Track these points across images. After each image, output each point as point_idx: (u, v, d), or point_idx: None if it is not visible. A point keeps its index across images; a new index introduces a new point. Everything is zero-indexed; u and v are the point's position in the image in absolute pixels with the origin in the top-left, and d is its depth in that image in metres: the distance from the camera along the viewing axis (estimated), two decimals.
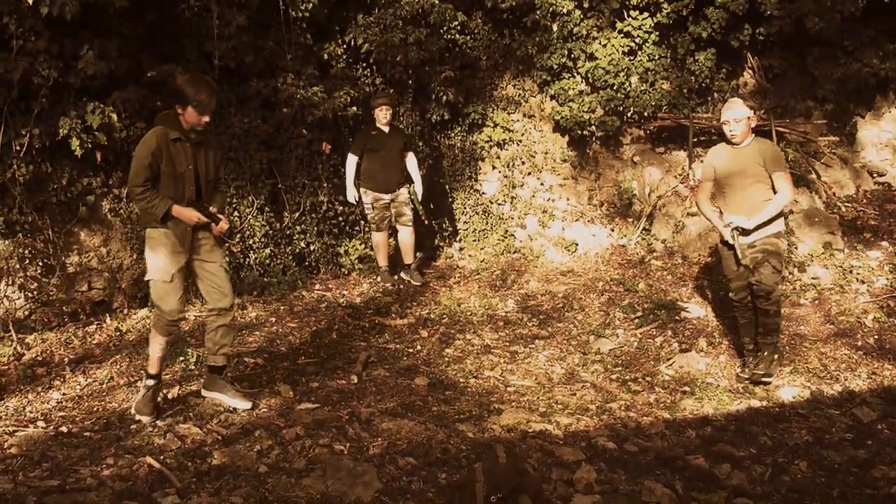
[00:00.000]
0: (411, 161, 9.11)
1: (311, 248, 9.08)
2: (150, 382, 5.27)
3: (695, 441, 5.35)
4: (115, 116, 7.05)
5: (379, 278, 9.11)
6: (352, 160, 8.81)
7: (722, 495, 4.49)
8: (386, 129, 8.81)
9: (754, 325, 6.51)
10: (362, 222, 9.53)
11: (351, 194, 8.87)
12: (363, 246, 9.39)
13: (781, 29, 10.20)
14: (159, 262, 5.07)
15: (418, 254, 9.51)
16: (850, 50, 10.76)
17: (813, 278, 8.62)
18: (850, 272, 8.67)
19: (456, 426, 5.29)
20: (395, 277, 9.14)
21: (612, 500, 4.40)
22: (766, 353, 6.39)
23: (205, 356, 5.60)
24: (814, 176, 10.48)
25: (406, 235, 9.07)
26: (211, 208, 5.22)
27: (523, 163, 10.86)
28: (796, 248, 9.17)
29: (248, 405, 5.43)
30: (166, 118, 5.03)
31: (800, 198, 9.89)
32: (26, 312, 6.97)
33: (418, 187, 9.19)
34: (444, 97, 9.99)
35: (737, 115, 6.17)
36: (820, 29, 10.06)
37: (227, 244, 5.27)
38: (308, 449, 4.79)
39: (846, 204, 10.46)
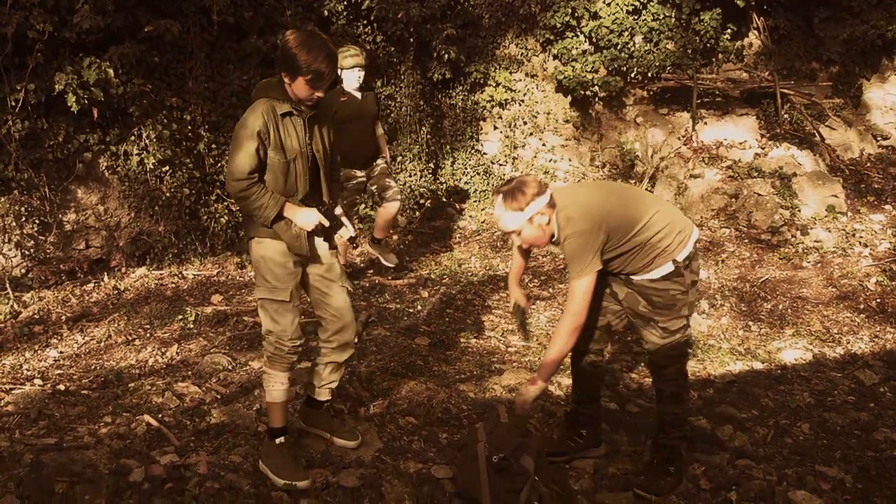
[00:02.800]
0: (378, 133, 7.42)
1: None
2: (280, 440, 4.06)
3: (697, 402, 5.33)
4: (111, 72, 6.92)
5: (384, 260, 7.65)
6: None
7: (724, 456, 4.48)
8: (358, 94, 7.11)
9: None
10: None
11: None
12: (363, 206, 9.30)
13: None
14: (273, 278, 3.89)
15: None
16: (857, 11, 10.64)
17: (816, 241, 8.58)
18: (853, 235, 8.63)
19: (457, 386, 5.27)
20: (356, 281, 7.50)
21: (615, 461, 4.39)
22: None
23: (308, 388, 4.45)
24: (818, 138, 10.40)
25: (392, 210, 7.35)
26: (337, 210, 4.07)
27: (525, 123, 10.77)
28: (799, 211, 9.12)
29: (356, 443, 4.39)
30: (270, 87, 3.84)
31: (804, 160, 9.82)
32: (23, 270, 6.92)
33: (387, 161, 7.51)
34: (446, 55, 9.85)
35: (507, 225, 3.90)
36: None
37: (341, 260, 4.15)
38: None
39: (850, 167, 10.39)
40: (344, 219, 4.04)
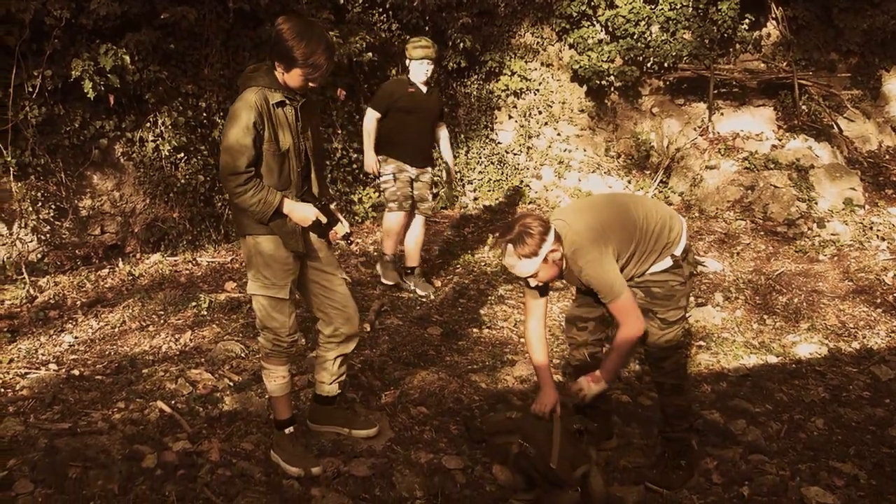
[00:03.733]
0: (444, 136, 7.18)
1: None
2: (289, 430, 4.04)
3: (710, 396, 5.31)
4: (128, 59, 6.93)
5: (379, 269, 7.19)
6: (373, 117, 6.74)
7: (737, 451, 4.47)
8: (424, 88, 6.79)
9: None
10: None
11: (371, 160, 6.79)
12: (377, 194, 9.29)
13: None
14: (271, 274, 3.79)
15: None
16: (877, 2, 10.55)
17: (832, 234, 8.53)
18: (871, 229, 8.58)
19: (469, 376, 5.27)
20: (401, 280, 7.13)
21: (626, 454, 4.38)
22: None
23: (315, 386, 4.37)
24: (836, 130, 10.32)
25: (419, 228, 7.04)
26: (332, 206, 3.97)
27: (540, 112, 10.73)
28: (816, 203, 9.06)
29: (374, 431, 4.39)
30: (259, 75, 3.68)
31: (821, 152, 9.75)
32: (39, 255, 6.95)
33: (451, 167, 7.32)
34: (462, 44, 9.82)
35: (522, 271, 3.77)
36: None
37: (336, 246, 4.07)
38: None
39: (868, 159, 10.31)
40: (339, 214, 3.96)
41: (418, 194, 6.94)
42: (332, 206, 3.98)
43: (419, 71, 6.71)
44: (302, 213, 3.73)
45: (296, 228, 3.76)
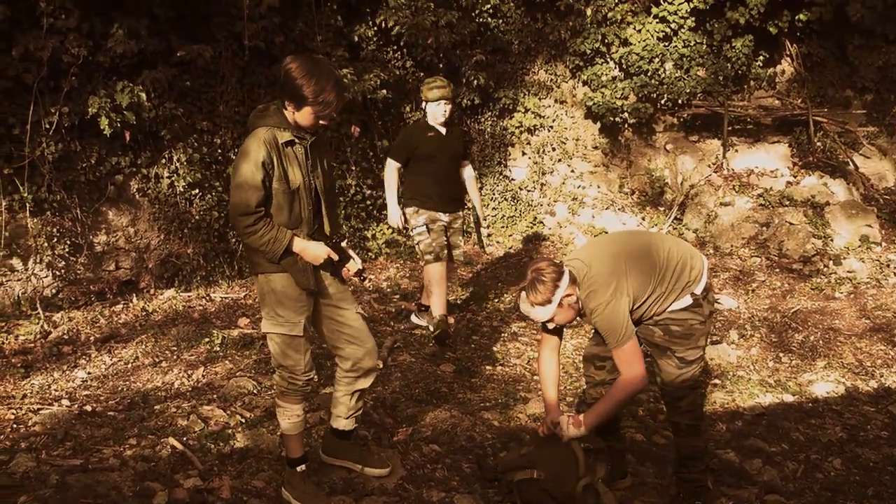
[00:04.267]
0: (469, 176, 6.88)
1: None
2: (301, 468, 3.99)
3: (725, 435, 5.25)
4: (144, 96, 7.01)
5: (431, 328, 6.72)
6: (393, 168, 6.54)
7: (753, 491, 4.41)
8: (443, 130, 6.52)
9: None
10: None
11: (395, 215, 6.57)
12: (390, 230, 9.30)
13: (822, 16, 9.99)
14: (284, 311, 3.76)
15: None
16: (892, 39, 10.55)
17: (849, 272, 8.47)
18: (888, 266, 8.51)
19: (481, 414, 5.23)
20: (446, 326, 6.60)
21: (641, 493, 4.32)
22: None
23: (330, 419, 4.34)
24: (851, 167, 10.29)
25: (448, 271, 6.74)
26: (343, 244, 3.96)
27: (554, 149, 10.75)
28: (832, 240, 9.00)
29: (387, 471, 4.33)
30: (269, 114, 3.73)
31: (836, 189, 9.72)
32: (53, 290, 6.98)
33: (478, 209, 7.00)
34: (475, 81, 9.88)
35: (537, 317, 3.81)
36: (861, 16, 9.83)
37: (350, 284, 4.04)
38: None
39: (884, 196, 10.26)
40: (351, 252, 3.95)
41: (452, 241, 6.73)
42: (344, 244, 3.97)
43: (437, 112, 6.47)
44: (313, 251, 3.70)
45: (307, 267, 3.73)
